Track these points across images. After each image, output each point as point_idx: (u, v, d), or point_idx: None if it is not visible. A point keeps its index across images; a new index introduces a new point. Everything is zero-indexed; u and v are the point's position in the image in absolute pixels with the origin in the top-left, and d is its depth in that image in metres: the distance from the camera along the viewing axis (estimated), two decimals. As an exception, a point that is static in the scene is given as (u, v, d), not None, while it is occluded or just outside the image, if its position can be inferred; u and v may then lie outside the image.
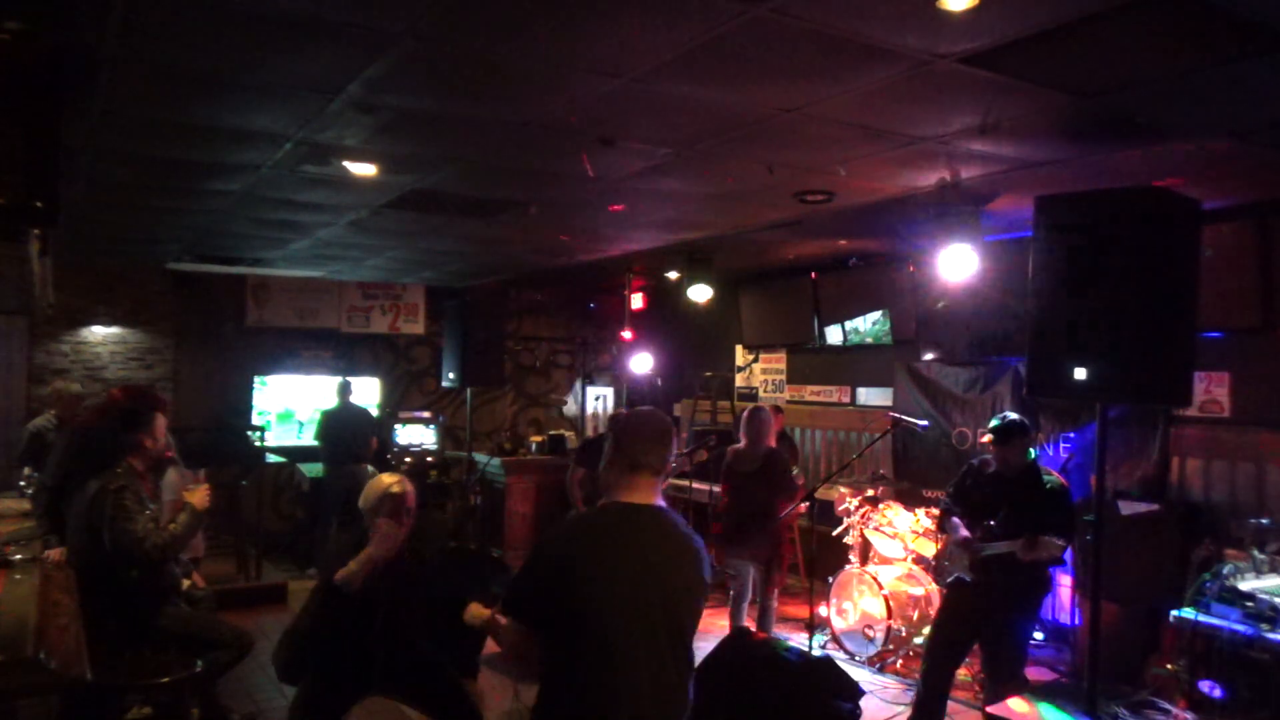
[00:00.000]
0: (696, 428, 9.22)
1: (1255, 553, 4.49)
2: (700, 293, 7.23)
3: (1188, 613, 4.20)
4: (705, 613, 2.65)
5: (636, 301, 9.92)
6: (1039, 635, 5.91)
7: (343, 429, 8.27)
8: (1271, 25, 2.76)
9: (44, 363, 8.62)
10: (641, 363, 9.37)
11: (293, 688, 3.78)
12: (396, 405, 10.28)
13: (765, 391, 9.43)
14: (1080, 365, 3.40)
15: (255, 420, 9.27)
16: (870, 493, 6.55)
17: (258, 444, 8.67)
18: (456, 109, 3.78)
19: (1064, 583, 5.82)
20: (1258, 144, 4.04)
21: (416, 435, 9.91)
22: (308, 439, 9.15)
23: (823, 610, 6.32)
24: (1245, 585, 4.15)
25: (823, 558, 6.32)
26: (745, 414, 5.93)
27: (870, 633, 5.99)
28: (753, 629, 5.63)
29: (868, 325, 8.09)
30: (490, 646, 4.88)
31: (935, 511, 5.81)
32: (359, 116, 3.85)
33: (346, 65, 3.25)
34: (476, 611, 3.58)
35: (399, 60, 3.18)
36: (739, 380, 9.79)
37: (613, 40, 2.98)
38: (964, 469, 4.74)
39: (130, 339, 9.05)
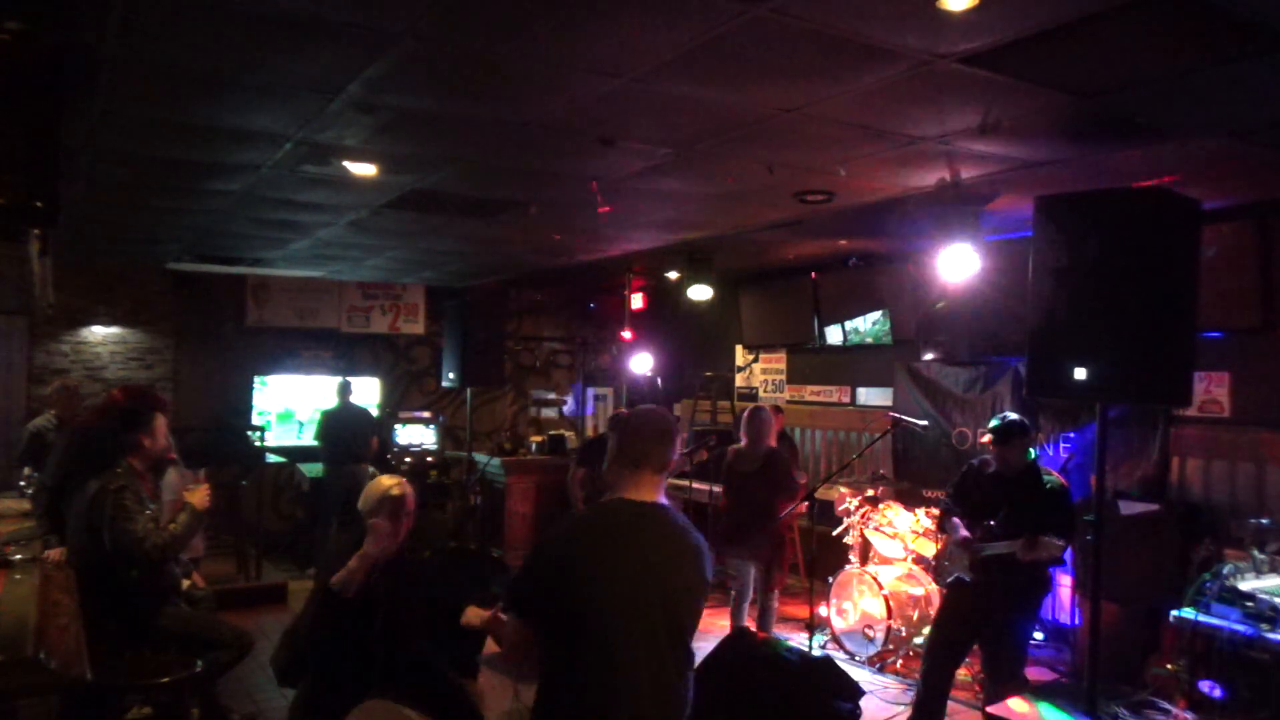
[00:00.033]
0: (696, 428, 9.22)
1: (1255, 553, 4.49)
2: (700, 293, 7.23)
3: (1188, 613, 4.20)
4: (705, 613, 2.65)
5: (636, 301, 9.92)
6: (1039, 635, 5.91)
7: (343, 429, 8.27)
8: (1271, 25, 2.76)
9: (44, 363, 8.62)
10: (641, 363, 9.37)
11: (292, 689, 3.78)
12: (396, 405, 10.28)
13: (765, 391, 9.43)
14: (1080, 365, 3.39)
15: (255, 420, 9.27)
16: (870, 493, 6.55)
17: (258, 444, 8.67)
18: (456, 109, 3.78)
19: (1064, 583, 5.82)
20: (1258, 144, 4.04)
21: (416, 435, 9.91)
22: (308, 439, 9.16)
23: (823, 610, 6.32)
24: (1245, 585, 4.15)
25: (823, 558, 6.32)
26: (745, 414, 5.93)
27: (870, 633, 5.99)
28: (753, 629, 5.64)
29: (868, 325, 8.09)
30: (490, 646, 4.88)
31: (935, 511, 5.81)
32: (359, 116, 3.85)
33: (346, 65, 3.25)
34: (474, 614, 3.59)
35: (399, 60, 3.18)
36: (739, 380, 9.79)
37: (613, 40, 2.98)
38: (964, 469, 4.74)
39: (130, 339, 9.05)
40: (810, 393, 8.93)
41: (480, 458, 8.94)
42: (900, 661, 5.95)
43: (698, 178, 4.89)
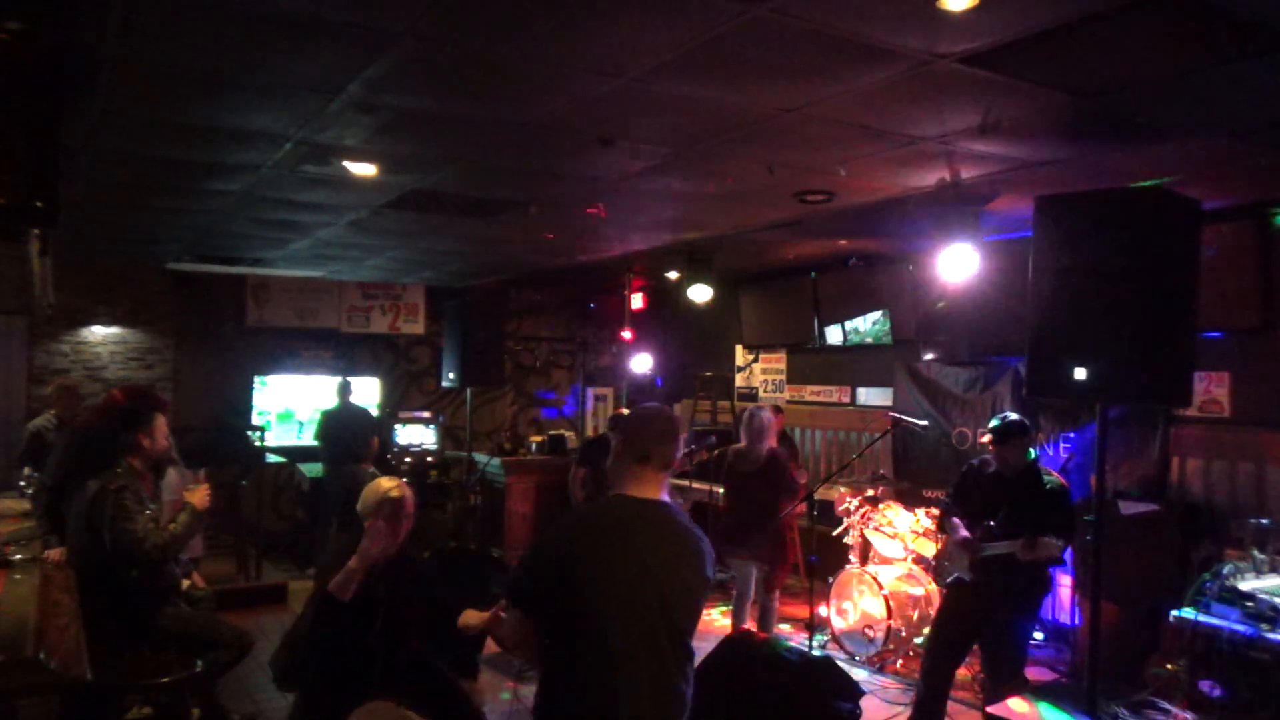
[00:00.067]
0: (696, 428, 9.23)
1: (1255, 553, 4.49)
2: (700, 293, 7.23)
3: (1188, 613, 4.20)
4: (706, 612, 2.66)
5: (636, 301, 9.93)
6: (1039, 635, 5.91)
7: (343, 429, 8.26)
8: (1271, 25, 2.76)
9: (44, 363, 8.62)
10: (641, 363, 9.37)
11: (291, 693, 3.77)
12: (396, 405, 10.28)
13: (765, 391, 9.43)
14: (1080, 365, 3.40)
15: (255, 420, 9.27)
16: (870, 493, 6.55)
17: (258, 444, 8.67)
18: (456, 109, 3.78)
19: (1064, 583, 5.82)
20: (1258, 144, 4.04)
21: (416, 435, 9.91)
22: (308, 439, 9.15)
23: (823, 610, 6.32)
24: (1245, 585, 4.15)
25: (823, 558, 6.32)
26: (746, 415, 5.93)
27: (870, 633, 5.99)
28: (753, 629, 5.64)
29: (868, 325, 8.09)
30: (490, 646, 4.89)
31: (935, 511, 5.81)
32: (359, 116, 3.85)
33: (346, 65, 3.25)
34: (471, 616, 3.60)
35: (399, 60, 3.18)
36: (739, 380, 9.79)
37: (613, 40, 2.98)
38: (964, 469, 4.74)
39: (130, 339, 9.05)
40: (810, 393, 8.93)
41: (480, 458, 8.94)
42: (900, 661, 5.95)
43: (698, 178, 4.89)
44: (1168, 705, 3.75)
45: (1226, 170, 4.58)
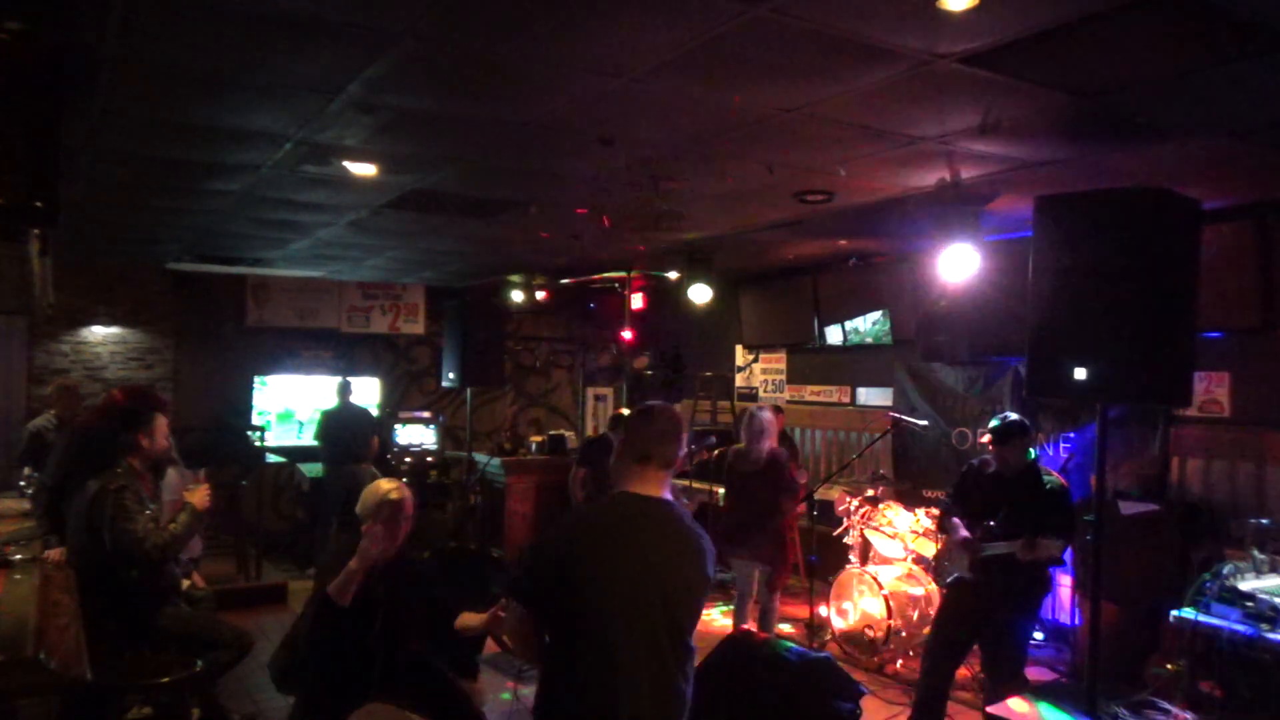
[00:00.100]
0: (696, 428, 9.22)
1: (1255, 553, 4.48)
2: (700, 293, 7.23)
3: (1188, 613, 4.20)
4: (706, 612, 2.66)
5: (636, 301, 9.92)
6: (1039, 635, 5.91)
7: (343, 429, 8.26)
8: (1271, 25, 2.76)
9: (44, 363, 8.62)
10: (641, 363, 9.36)
11: (290, 695, 3.77)
12: (396, 405, 10.28)
13: (765, 391, 9.43)
14: (1080, 365, 3.39)
15: (255, 420, 9.28)
16: (870, 493, 6.55)
17: (258, 444, 8.67)
18: (456, 109, 3.78)
19: (1064, 583, 5.82)
20: (1258, 144, 4.04)
21: (416, 435, 9.91)
22: (308, 439, 9.16)
23: (823, 610, 6.32)
24: (1245, 585, 4.14)
25: (823, 558, 6.32)
26: (746, 415, 5.93)
27: (870, 633, 5.99)
28: (754, 629, 5.64)
29: (868, 325, 8.09)
30: (490, 646, 4.88)
31: (935, 511, 5.81)
32: (359, 116, 3.85)
33: (346, 65, 3.25)
34: (469, 618, 3.60)
35: (399, 60, 3.18)
36: (739, 380, 9.79)
37: (613, 40, 2.98)
38: (964, 469, 4.74)
39: (130, 339, 9.05)
40: (810, 393, 8.93)
41: (480, 458, 8.94)
42: (900, 661, 5.95)
43: (698, 178, 4.89)
44: (1168, 705, 3.75)
45: (1226, 170, 4.58)
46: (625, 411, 7.38)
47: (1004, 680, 4.23)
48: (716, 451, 6.86)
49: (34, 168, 2.74)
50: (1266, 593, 4.04)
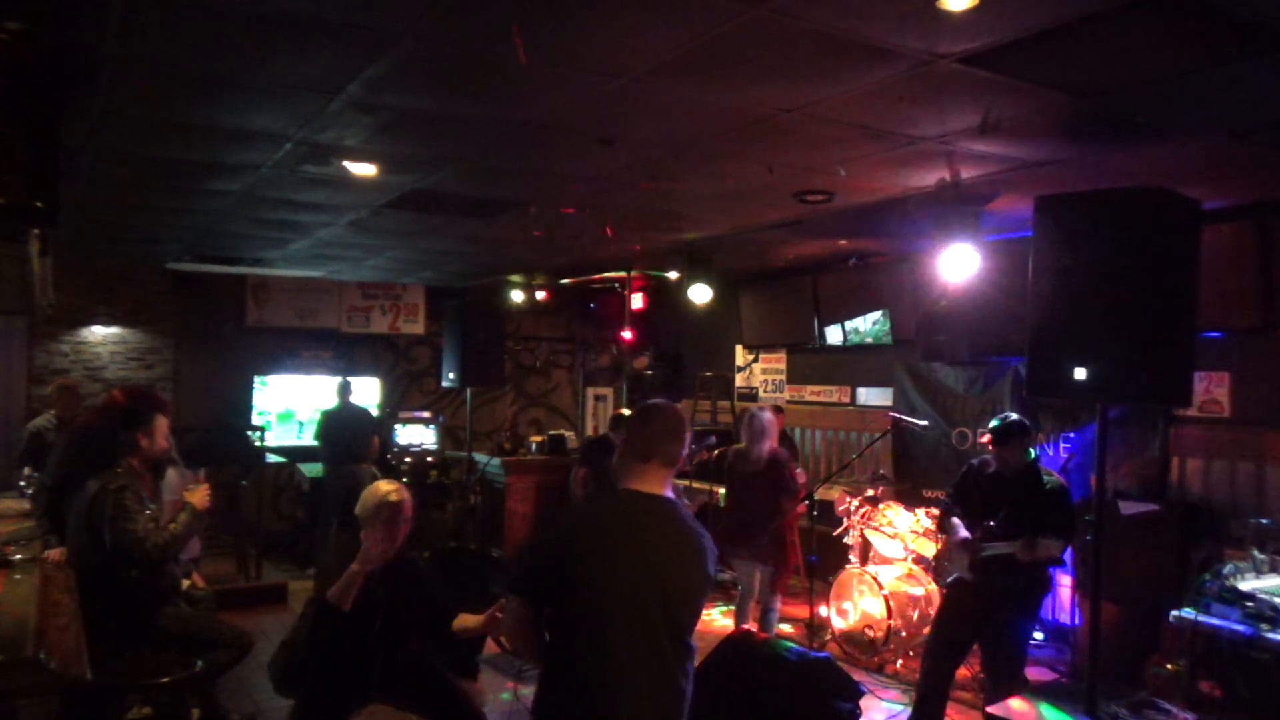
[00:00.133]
0: (696, 428, 9.22)
1: (1255, 553, 4.48)
2: (700, 293, 7.23)
3: (1188, 613, 4.20)
4: (706, 612, 2.66)
5: (636, 301, 9.92)
6: (1039, 635, 5.91)
7: (343, 429, 8.26)
8: (1271, 25, 2.76)
9: (44, 363, 8.62)
10: (641, 363, 9.36)
11: (289, 698, 3.77)
12: (396, 405, 10.28)
13: (765, 391, 9.43)
14: (1080, 365, 3.40)
15: (255, 420, 9.27)
16: (870, 493, 6.55)
17: (258, 444, 8.67)
18: (456, 109, 3.78)
19: (1064, 583, 5.82)
20: (1258, 144, 4.04)
21: (416, 435, 9.91)
22: (308, 439, 9.15)
23: (823, 610, 6.32)
24: (1245, 585, 4.14)
25: (823, 558, 6.32)
26: (747, 416, 5.93)
27: (870, 633, 5.99)
28: (754, 629, 5.64)
29: (868, 325, 8.09)
30: (490, 646, 4.88)
31: (935, 511, 5.81)
32: (359, 116, 3.85)
33: (346, 65, 3.25)
34: (467, 620, 3.60)
35: (399, 60, 3.18)
36: (739, 380, 9.79)
37: (613, 40, 2.98)
38: (964, 469, 4.74)
39: (130, 339, 9.05)
40: (810, 393, 8.93)
41: (480, 458, 8.94)
42: (900, 661, 5.95)
43: (698, 178, 4.89)
44: (1168, 705, 3.75)
45: (1226, 170, 4.58)
46: (626, 412, 7.38)
47: (1004, 680, 4.23)
48: (716, 451, 6.86)
49: (34, 168, 2.74)
50: (1266, 593, 4.04)
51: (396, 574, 3.60)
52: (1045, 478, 4.37)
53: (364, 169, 4.73)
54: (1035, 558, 4.08)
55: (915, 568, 6.17)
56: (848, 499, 6.65)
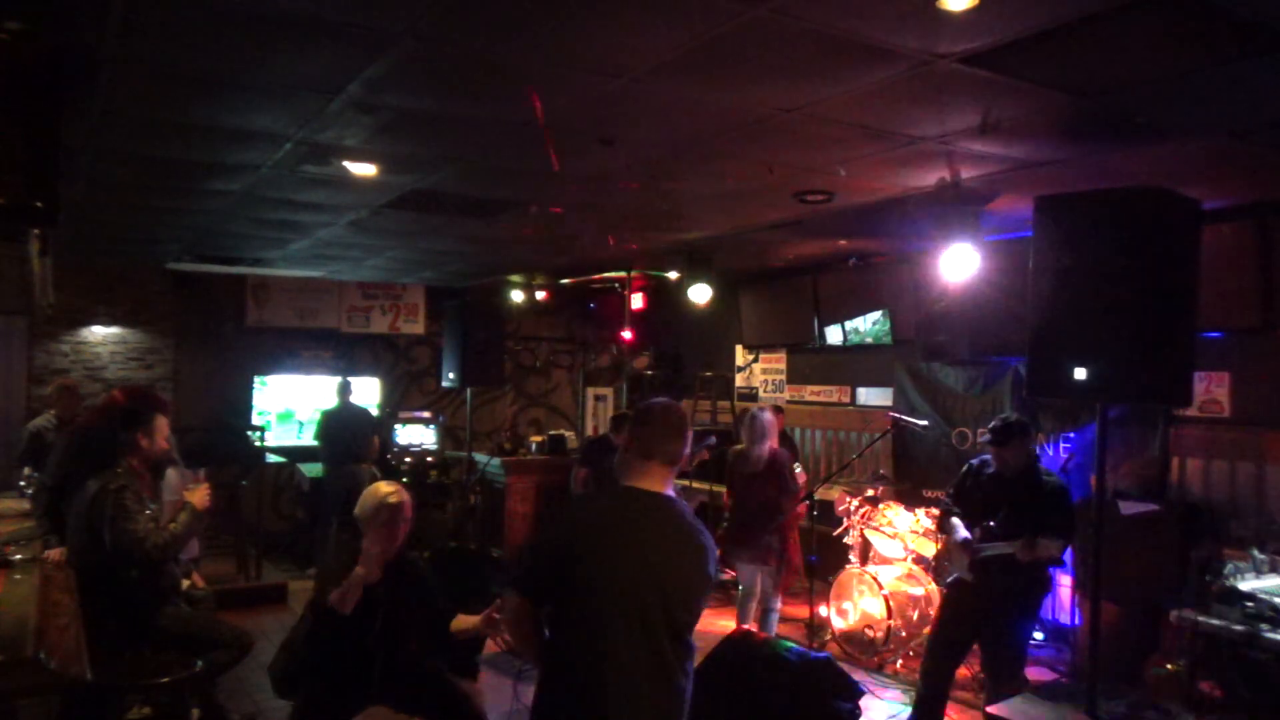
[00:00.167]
0: (696, 428, 9.21)
1: (1255, 553, 4.48)
2: (700, 293, 7.23)
3: (1188, 613, 4.20)
4: (708, 613, 2.66)
5: (636, 301, 9.92)
6: (1039, 635, 5.91)
7: (343, 429, 8.27)
8: (1271, 25, 2.76)
9: (44, 363, 8.62)
10: (641, 363, 9.36)
11: (289, 700, 3.77)
12: (396, 405, 10.28)
13: (765, 391, 9.43)
14: (1080, 365, 3.39)
15: (255, 420, 9.27)
16: (870, 493, 6.55)
17: (258, 444, 8.67)
18: (456, 109, 3.78)
19: (1064, 583, 5.82)
20: (1258, 144, 4.04)
21: (416, 435, 9.91)
22: (308, 439, 9.16)
23: (823, 610, 6.32)
24: (1245, 585, 4.14)
25: (823, 558, 6.32)
26: (747, 417, 5.93)
27: (870, 633, 5.99)
28: (755, 629, 5.64)
29: (868, 325, 8.09)
30: (490, 646, 4.87)
31: (935, 511, 5.81)
32: (359, 116, 3.85)
33: (346, 65, 3.25)
34: (464, 621, 3.60)
35: (399, 60, 3.18)
36: (739, 380, 9.79)
37: (613, 40, 2.98)
38: (964, 469, 4.74)
39: (130, 339, 9.05)
40: (810, 393, 8.93)
41: (480, 458, 8.94)
42: (900, 661, 5.95)
43: (698, 178, 4.89)
44: (1168, 705, 3.75)
45: (1226, 170, 4.58)
46: (627, 412, 7.38)
47: (1004, 680, 4.23)
48: (717, 450, 6.86)
49: (34, 168, 2.74)
50: (1266, 593, 4.04)
51: (396, 574, 3.60)
52: (1045, 478, 4.37)
53: (364, 169, 4.73)
54: (1035, 558, 4.08)
55: (915, 568, 6.17)
56: (848, 499, 6.65)
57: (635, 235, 6.81)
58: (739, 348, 9.77)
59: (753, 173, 4.69)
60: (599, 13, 2.77)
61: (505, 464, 8.97)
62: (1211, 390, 5.65)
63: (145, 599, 4.20)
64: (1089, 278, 3.39)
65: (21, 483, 6.08)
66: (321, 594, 3.55)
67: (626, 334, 9.44)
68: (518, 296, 9.86)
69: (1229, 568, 4.36)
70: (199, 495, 4.28)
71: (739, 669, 4.15)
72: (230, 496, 7.86)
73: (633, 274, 9.12)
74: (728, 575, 6.61)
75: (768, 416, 5.84)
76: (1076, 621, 5.64)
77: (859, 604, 6.13)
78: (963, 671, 5.16)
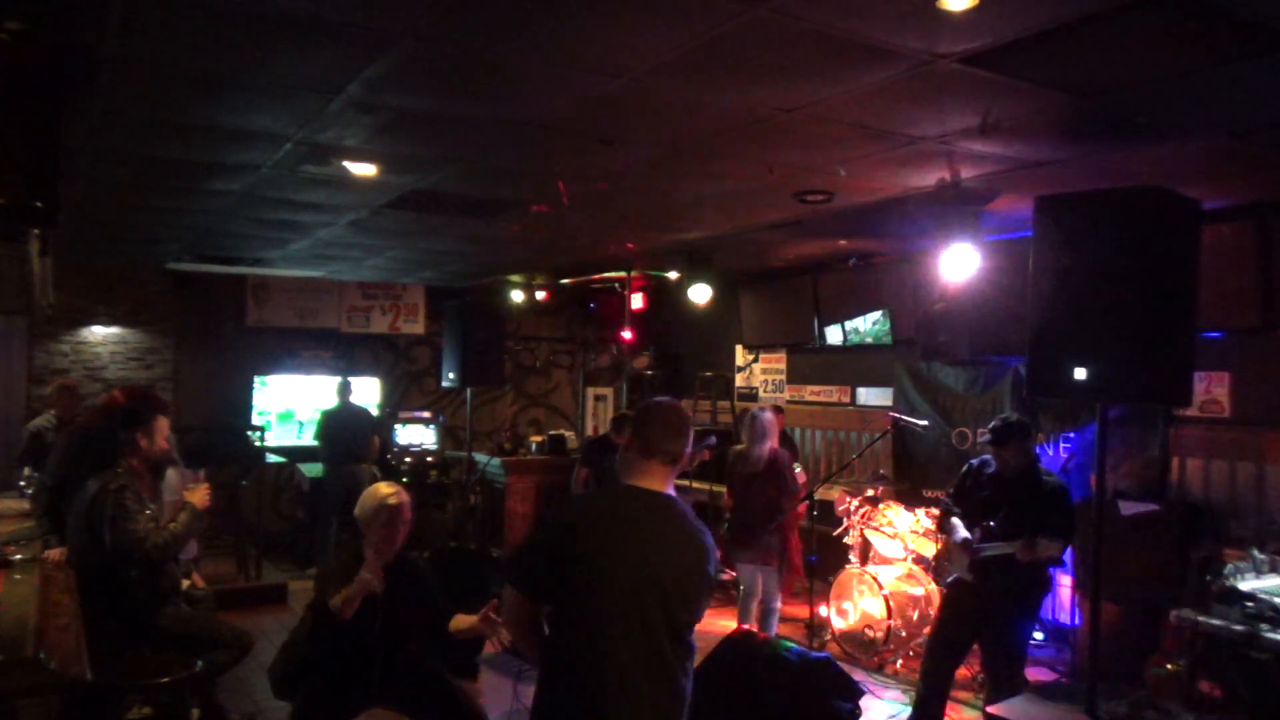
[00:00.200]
0: (696, 428, 9.20)
1: (1255, 553, 4.48)
2: (700, 293, 7.23)
3: (1188, 613, 4.20)
4: (708, 613, 2.66)
5: (636, 301, 9.92)
6: (1039, 635, 5.91)
7: (343, 429, 8.27)
8: (1271, 25, 2.76)
9: (44, 363, 8.62)
10: (641, 363, 9.36)
11: (288, 702, 3.77)
12: (396, 405, 10.28)
13: (765, 391, 9.43)
14: (1080, 365, 3.39)
15: (255, 420, 9.27)
16: (870, 493, 6.54)
17: (258, 444, 8.67)
18: (456, 109, 3.78)
19: (1064, 583, 5.82)
20: (1258, 144, 4.04)
21: (416, 435, 9.91)
22: (308, 439, 9.15)
23: (823, 610, 6.32)
24: (1245, 585, 4.14)
25: (823, 558, 6.32)
26: (748, 417, 5.93)
27: (870, 633, 5.99)
28: (755, 629, 5.64)
29: (868, 325, 8.09)
30: (490, 646, 4.87)
31: (935, 511, 5.81)
32: (359, 116, 3.85)
33: (346, 65, 3.25)
34: (462, 620, 3.60)
35: (399, 60, 3.18)
36: (739, 380, 9.79)
37: (613, 40, 2.98)
38: (964, 469, 4.74)
39: (130, 339, 9.05)
40: (810, 393, 8.93)
41: (480, 458, 8.94)
42: (900, 661, 5.95)
43: (698, 178, 4.89)
44: (1168, 705, 3.75)
45: (1226, 170, 4.58)
46: (628, 412, 7.38)
47: (1004, 680, 4.23)
48: (717, 450, 6.85)
49: (34, 168, 2.74)
50: (1266, 593, 4.04)
51: (396, 574, 3.60)
52: (1045, 478, 4.37)
53: (364, 169, 4.73)
54: (1035, 558, 4.08)
55: (915, 568, 6.17)
56: (848, 499, 6.65)
57: (635, 235, 6.81)
58: (739, 348, 9.77)
59: (753, 173, 4.69)
60: (599, 13, 2.77)
61: (505, 464, 8.97)
62: (1211, 390, 5.65)
63: (145, 599, 4.20)
64: (1089, 278, 3.39)
65: (21, 483, 6.08)
66: (321, 595, 3.55)
67: (626, 334, 9.43)
68: (518, 296, 9.85)
69: (1229, 568, 4.36)
70: (199, 495, 4.28)
71: (739, 669, 4.15)
72: (230, 496, 7.85)
73: (633, 274, 9.12)
74: (728, 575, 6.61)
75: (768, 416, 5.84)
76: (1076, 621, 5.64)
77: (859, 604, 6.13)
78: (963, 671, 5.16)
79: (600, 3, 2.70)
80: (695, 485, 7.78)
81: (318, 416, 8.56)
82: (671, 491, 2.55)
